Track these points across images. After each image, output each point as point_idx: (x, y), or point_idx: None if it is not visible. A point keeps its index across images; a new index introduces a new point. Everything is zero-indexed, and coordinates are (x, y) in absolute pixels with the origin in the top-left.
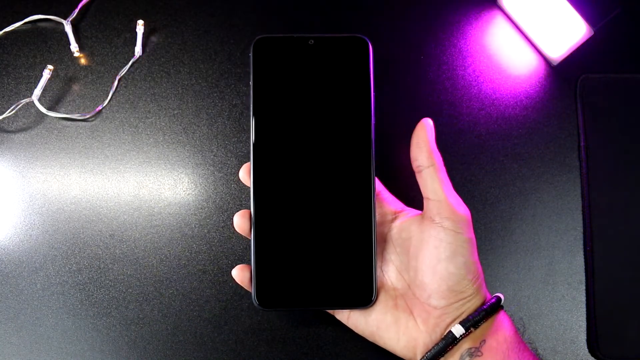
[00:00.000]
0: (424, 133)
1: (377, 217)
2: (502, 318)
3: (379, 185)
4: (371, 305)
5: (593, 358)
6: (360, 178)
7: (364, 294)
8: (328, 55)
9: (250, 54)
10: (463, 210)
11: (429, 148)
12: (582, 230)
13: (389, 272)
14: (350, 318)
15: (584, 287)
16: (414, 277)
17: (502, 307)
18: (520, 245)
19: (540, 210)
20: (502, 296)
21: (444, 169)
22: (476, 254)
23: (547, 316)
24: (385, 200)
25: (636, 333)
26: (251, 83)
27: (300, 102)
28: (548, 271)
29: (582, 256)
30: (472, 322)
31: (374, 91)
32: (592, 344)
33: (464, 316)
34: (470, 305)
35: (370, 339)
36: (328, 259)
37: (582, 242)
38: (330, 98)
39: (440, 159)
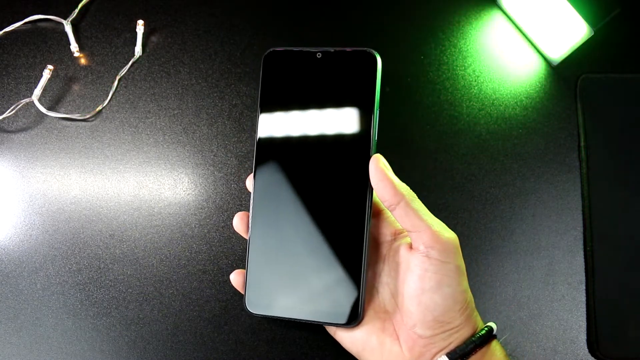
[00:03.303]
0: (380, 172)
1: (379, 236)
2: (494, 349)
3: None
4: (355, 326)
5: (593, 358)
6: (356, 196)
7: (349, 313)
8: (336, 68)
9: (261, 67)
10: (449, 236)
11: (391, 184)
12: (582, 230)
13: (384, 293)
14: (337, 334)
15: (584, 287)
16: (402, 303)
17: (494, 337)
18: (520, 245)
19: (540, 210)
20: (494, 326)
21: (415, 197)
22: (465, 281)
23: (547, 316)
24: (387, 220)
25: (636, 333)
26: (259, 94)
27: (305, 114)
28: (548, 271)
29: (582, 256)
30: (459, 354)
31: (380, 104)
32: (592, 344)
33: (451, 347)
34: (459, 336)
35: (357, 357)
36: (317, 274)
37: (582, 242)
38: (334, 111)
39: (408, 189)
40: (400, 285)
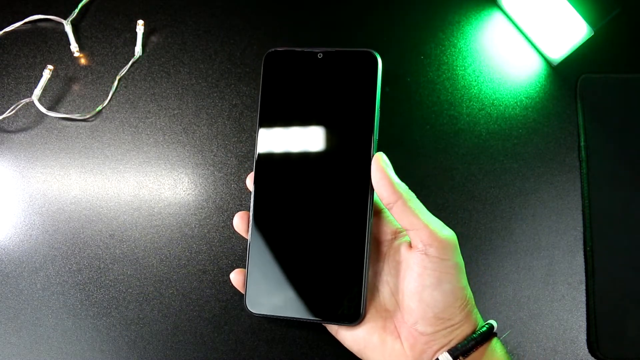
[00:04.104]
0: (380, 170)
1: (379, 235)
2: (495, 347)
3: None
4: (357, 324)
5: (593, 358)
6: (358, 195)
7: (351, 312)
8: (337, 68)
9: (262, 67)
10: (447, 235)
11: (389, 183)
12: (582, 230)
13: (384, 292)
14: (339, 333)
15: (584, 287)
16: (402, 300)
17: (495, 335)
18: (520, 245)
19: (540, 210)
20: (494, 323)
21: (413, 197)
22: (464, 278)
23: (547, 316)
24: (387, 219)
25: (636, 333)
26: (260, 94)
27: (306, 115)
28: (548, 271)
29: (582, 256)
30: (460, 351)
31: (380, 104)
32: (592, 344)
33: (452, 344)
34: (460, 333)
35: (359, 355)
36: (319, 273)
37: (582, 242)
38: (335, 111)
39: (406, 188)
40: (401, 283)
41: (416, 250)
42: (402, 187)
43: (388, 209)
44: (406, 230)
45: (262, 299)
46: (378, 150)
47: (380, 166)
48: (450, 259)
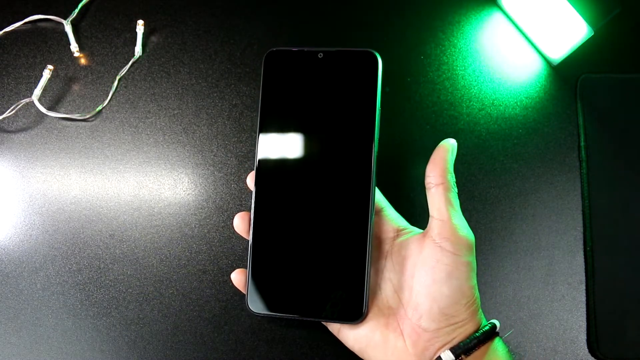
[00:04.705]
0: (443, 152)
1: (380, 233)
2: (497, 346)
3: (384, 202)
4: (359, 322)
5: (593, 358)
6: (359, 194)
7: (353, 310)
8: (337, 68)
9: (262, 67)
10: (466, 234)
11: (443, 167)
12: (582, 230)
13: (386, 289)
14: (341, 332)
15: (584, 287)
16: (408, 296)
17: (497, 334)
18: (520, 245)
19: (540, 210)
20: (497, 323)
21: (454, 190)
22: (474, 278)
23: (547, 316)
24: (388, 217)
25: (636, 333)
26: (260, 94)
27: (306, 114)
28: (548, 271)
29: (582, 256)
30: (462, 349)
31: (381, 104)
32: (592, 344)
33: (455, 342)
34: (463, 331)
35: (360, 354)
36: (321, 272)
37: (582, 242)
38: (336, 111)
39: (454, 180)
40: (408, 278)
41: (433, 242)
42: (452, 177)
43: (427, 189)
44: (431, 216)
45: (264, 298)
46: (379, 149)
47: (445, 148)
48: (464, 256)
